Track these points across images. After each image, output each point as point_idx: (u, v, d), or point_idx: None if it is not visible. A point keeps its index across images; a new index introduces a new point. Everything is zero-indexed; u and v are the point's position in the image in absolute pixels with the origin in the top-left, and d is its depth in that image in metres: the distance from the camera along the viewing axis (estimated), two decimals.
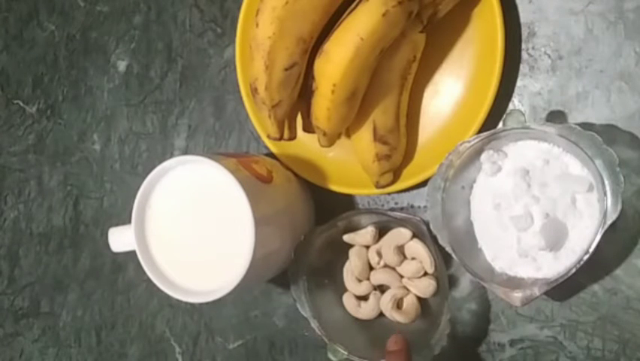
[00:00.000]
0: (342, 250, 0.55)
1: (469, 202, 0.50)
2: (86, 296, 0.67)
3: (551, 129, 0.45)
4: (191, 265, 0.51)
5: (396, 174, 0.54)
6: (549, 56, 0.52)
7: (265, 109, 0.51)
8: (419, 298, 0.54)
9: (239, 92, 0.58)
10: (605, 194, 0.43)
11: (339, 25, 0.48)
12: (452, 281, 0.53)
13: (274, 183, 0.53)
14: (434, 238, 0.49)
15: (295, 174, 0.57)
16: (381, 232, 0.54)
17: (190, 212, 0.51)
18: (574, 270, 0.44)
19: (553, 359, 0.51)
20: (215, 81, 0.62)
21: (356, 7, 0.47)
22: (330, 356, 0.52)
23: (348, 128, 0.53)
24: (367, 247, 0.55)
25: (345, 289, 0.55)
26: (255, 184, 0.50)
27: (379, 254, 0.54)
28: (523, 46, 0.52)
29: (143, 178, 0.50)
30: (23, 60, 0.70)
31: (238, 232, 0.48)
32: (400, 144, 0.53)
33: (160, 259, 0.51)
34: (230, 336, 0.61)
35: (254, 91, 0.50)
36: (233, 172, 0.48)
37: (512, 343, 0.52)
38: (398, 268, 0.54)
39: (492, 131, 0.47)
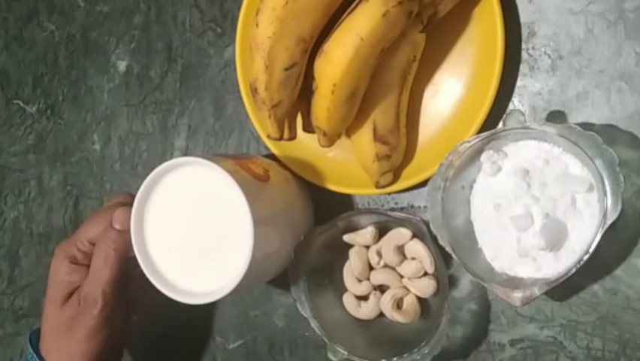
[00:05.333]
0: (342, 250, 0.55)
1: (469, 202, 0.50)
2: None
3: (551, 129, 0.45)
4: (191, 267, 0.51)
5: (396, 174, 0.54)
6: (549, 56, 0.52)
7: (265, 109, 0.51)
8: (419, 298, 0.54)
9: (239, 92, 0.58)
10: (605, 194, 0.43)
11: (339, 25, 0.48)
12: (452, 281, 0.53)
13: (271, 182, 0.52)
14: (434, 238, 0.49)
15: (293, 174, 0.57)
16: (381, 232, 0.54)
17: (189, 213, 0.51)
18: (574, 270, 0.44)
19: (553, 359, 0.51)
20: (215, 81, 0.62)
21: (356, 7, 0.47)
22: (330, 356, 0.52)
23: (348, 128, 0.53)
24: (367, 247, 0.55)
25: (345, 289, 0.55)
26: (252, 184, 0.50)
27: (379, 254, 0.54)
28: (523, 46, 0.52)
29: (143, 178, 0.50)
30: (23, 60, 0.70)
31: (237, 233, 0.48)
32: (400, 144, 0.53)
33: (159, 261, 0.51)
34: (230, 336, 0.61)
35: (254, 91, 0.50)
36: (231, 173, 0.48)
37: (512, 343, 0.52)
38: (398, 268, 0.54)
39: (492, 131, 0.47)
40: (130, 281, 0.54)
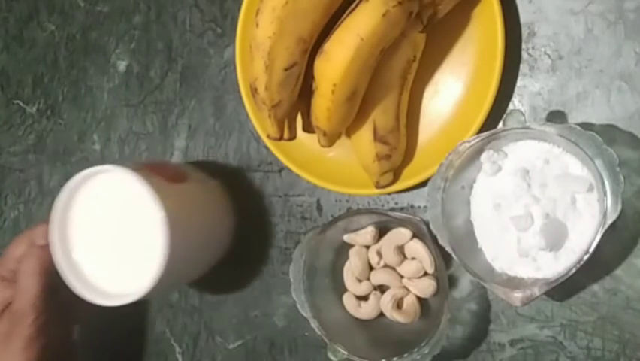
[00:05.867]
0: (342, 250, 0.55)
1: (469, 202, 0.50)
2: None
3: (551, 129, 0.45)
4: (114, 269, 0.54)
5: (396, 174, 0.54)
6: (549, 56, 0.52)
7: (265, 109, 0.51)
8: (419, 298, 0.54)
9: (239, 92, 0.58)
10: (605, 194, 0.43)
11: (339, 25, 0.48)
12: (452, 281, 0.53)
13: (186, 185, 0.56)
14: (434, 238, 0.49)
15: (214, 178, 0.59)
16: (381, 231, 0.54)
17: (108, 219, 0.54)
18: (574, 270, 0.44)
19: (553, 359, 0.51)
20: (215, 81, 0.62)
21: (356, 7, 0.47)
22: (330, 356, 0.52)
23: (348, 128, 0.53)
24: (367, 247, 0.55)
25: (345, 289, 0.55)
26: (163, 184, 0.52)
27: (379, 254, 0.54)
28: (523, 46, 0.52)
29: None
30: (23, 60, 0.70)
31: (152, 232, 0.50)
32: (400, 144, 0.53)
33: (84, 267, 0.54)
34: (230, 336, 0.61)
35: (254, 91, 0.50)
36: (141, 175, 0.51)
37: (512, 343, 0.52)
38: (398, 268, 0.54)
39: (492, 131, 0.47)
40: (61, 290, 0.55)
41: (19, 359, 0.53)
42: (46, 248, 0.54)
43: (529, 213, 0.47)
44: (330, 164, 0.56)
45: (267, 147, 0.58)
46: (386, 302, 0.53)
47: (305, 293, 0.53)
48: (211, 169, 0.61)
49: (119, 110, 0.66)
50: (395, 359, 0.50)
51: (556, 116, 0.51)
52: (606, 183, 0.43)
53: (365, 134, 0.52)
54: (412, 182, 0.53)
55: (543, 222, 0.46)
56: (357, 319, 0.55)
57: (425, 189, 0.49)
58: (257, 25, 0.48)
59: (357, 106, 0.50)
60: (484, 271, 0.48)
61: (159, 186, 0.51)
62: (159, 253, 0.50)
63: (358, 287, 0.55)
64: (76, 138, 0.68)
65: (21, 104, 0.70)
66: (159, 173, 0.54)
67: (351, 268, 0.55)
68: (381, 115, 0.51)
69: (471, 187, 0.50)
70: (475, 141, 0.47)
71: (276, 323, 0.60)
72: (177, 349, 0.63)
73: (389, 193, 0.55)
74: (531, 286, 0.45)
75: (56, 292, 0.55)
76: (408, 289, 0.53)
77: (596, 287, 0.50)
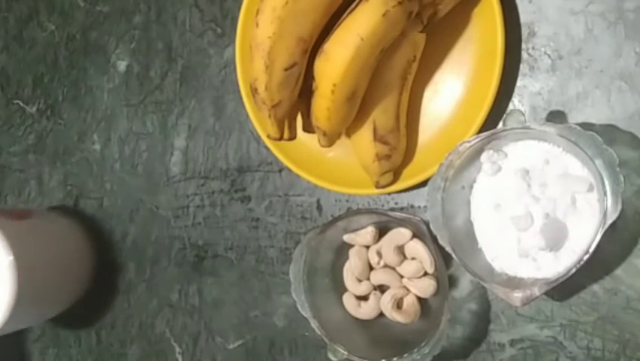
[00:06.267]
0: (342, 250, 0.55)
1: (469, 202, 0.50)
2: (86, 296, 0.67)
3: (551, 129, 0.45)
4: None
5: (396, 174, 0.54)
6: (549, 56, 0.52)
7: (265, 109, 0.51)
8: (419, 298, 0.54)
9: (239, 92, 0.58)
10: (605, 194, 0.43)
11: (339, 25, 0.48)
12: (452, 281, 0.53)
13: (30, 219, 0.61)
14: (434, 238, 0.49)
15: (70, 215, 0.65)
16: (381, 231, 0.54)
17: None
18: (574, 270, 0.44)
19: (553, 359, 0.51)
20: (215, 81, 0.62)
21: (356, 7, 0.47)
22: (330, 356, 0.52)
23: (348, 128, 0.53)
24: (367, 247, 0.55)
25: (345, 289, 0.55)
26: (6, 221, 0.58)
27: (379, 254, 0.54)
28: (523, 46, 0.52)
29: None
30: (23, 60, 0.70)
31: (1, 267, 0.55)
32: (400, 144, 0.53)
33: None
34: (230, 336, 0.61)
35: (254, 91, 0.50)
36: None
37: (512, 343, 0.52)
38: (398, 268, 0.54)
39: (492, 131, 0.47)
40: None
41: None
42: None
43: (529, 213, 0.47)
44: (330, 164, 0.56)
45: (267, 147, 0.58)
46: (386, 302, 0.53)
47: (305, 293, 0.53)
48: (213, 171, 0.62)
49: (119, 110, 0.66)
50: (395, 359, 0.50)
51: (556, 116, 0.51)
52: (606, 183, 0.43)
53: (365, 134, 0.52)
54: (412, 182, 0.53)
55: (543, 222, 0.46)
56: (357, 319, 0.55)
57: (425, 189, 0.49)
58: (257, 25, 0.48)
59: (357, 106, 0.50)
60: (484, 271, 0.48)
61: (2, 223, 0.57)
62: (8, 289, 0.55)
63: (358, 287, 0.55)
64: (76, 138, 0.68)
65: (21, 104, 0.70)
66: (3, 214, 0.60)
67: (351, 268, 0.55)
68: (381, 115, 0.51)
69: (471, 187, 0.50)
70: (475, 141, 0.47)
71: (276, 323, 0.60)
72: (177, 349, 0.63)
73: (389, 193, 0.55)
74: (531, 286, 0.45)
75: None
76: (408, 289, 0.53)
77: (596, 287, 0.50)
